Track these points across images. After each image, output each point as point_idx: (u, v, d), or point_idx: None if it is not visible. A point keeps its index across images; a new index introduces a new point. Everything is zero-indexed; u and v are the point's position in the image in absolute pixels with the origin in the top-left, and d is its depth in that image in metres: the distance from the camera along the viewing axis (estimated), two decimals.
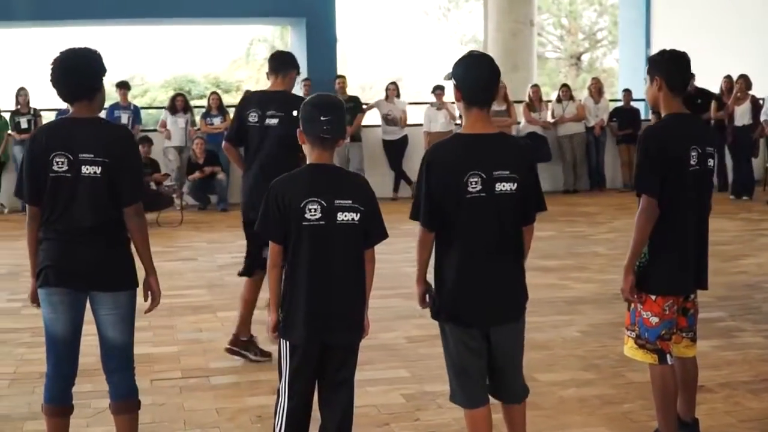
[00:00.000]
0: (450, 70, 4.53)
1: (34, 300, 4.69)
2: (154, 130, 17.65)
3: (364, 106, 17.88)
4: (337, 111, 4.34)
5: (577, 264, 10.75)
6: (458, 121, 17.73)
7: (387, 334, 7.65)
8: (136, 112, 17.48)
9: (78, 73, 4.51)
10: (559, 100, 18.66)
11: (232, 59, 44.71)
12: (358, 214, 4.31)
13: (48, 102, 16.24)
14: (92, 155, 4.43)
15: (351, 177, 4.53)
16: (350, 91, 18.18)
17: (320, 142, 4.30)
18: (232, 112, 18.09)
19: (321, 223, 4.25)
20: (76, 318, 4.60)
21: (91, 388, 5.79)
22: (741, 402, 5.94)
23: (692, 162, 4.82)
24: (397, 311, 8.36)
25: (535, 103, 18.44)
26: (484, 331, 4.47)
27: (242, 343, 6.98)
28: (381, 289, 9.15)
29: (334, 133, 4.29)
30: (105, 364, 4.72)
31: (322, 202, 4.25)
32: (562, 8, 44.60)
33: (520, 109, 18.41)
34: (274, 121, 6.83)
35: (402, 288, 8.75)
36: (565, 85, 19.29)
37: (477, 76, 4.41)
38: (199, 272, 10.78)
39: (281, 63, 7.18)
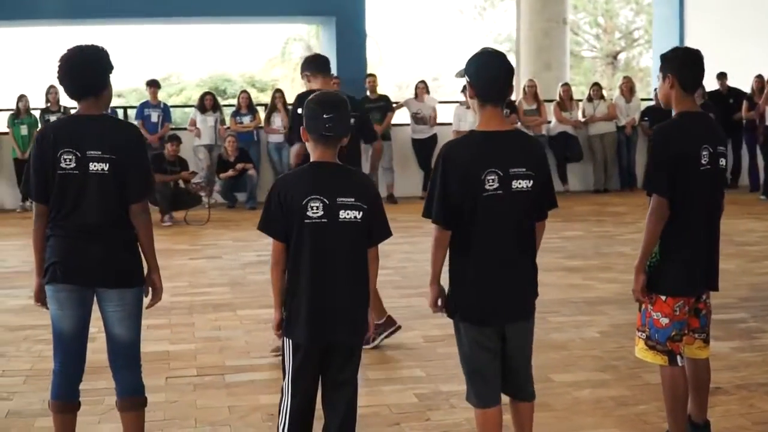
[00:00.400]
0: (462, 67, 4.52)
1: (39, 299, 4.70)
2: (185, 129, 17.70)
3: (394, 105, 17.87)
4: (340, 109, 4.32)
5: (602, 264, 10.68)
6: None
7: (406, 333, 7.61)
8: (165, 110, 17.53)
9: (84, 71, 4.52)
10: (590, 99, 18.53)
11: (268, 58, 44.92)
12: (361, 213, 4.28)
13: None
14: (100, 152, 4.44)
15: (354, 175, 4.48)
16: (387, 90, 18.16)
17: (323, 140, 4.28)
18: (261, 110, 18.16)
19: (323, 221, 4.23)
20: (83, 315, 4.61)
21: (105, 385, 5.76)
22: (756, 404, 5.86)
23: (703, 161, 4.76)
24: (417, 310, 8.32)
25: (565, 102, 18.34)
26: (500, 330, 4.43)
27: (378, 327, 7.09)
28: (403, 288, 9.25)
29: (336, 131, 4.27)
30: (111, 361, 4.74)
31: (324, 199, 4.22)
32: (598, 7, 44.39)
33: (551, 108, 18.34)
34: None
35: (425, 287, 8.61)
36: (596, 84, 19.18)
37: (491, 74, 4.37)
38: (222, 270, 10.79)
39: (323, 64, 7.36)
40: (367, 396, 6.06)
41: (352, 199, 4.27)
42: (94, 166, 4.44)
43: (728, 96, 17.56)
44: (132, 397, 4.74)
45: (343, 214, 4.25)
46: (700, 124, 4.91)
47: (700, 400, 5.06)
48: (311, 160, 4.38)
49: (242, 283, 9.90)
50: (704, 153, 4.76)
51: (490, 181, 4.25)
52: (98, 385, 5.69)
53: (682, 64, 4.86)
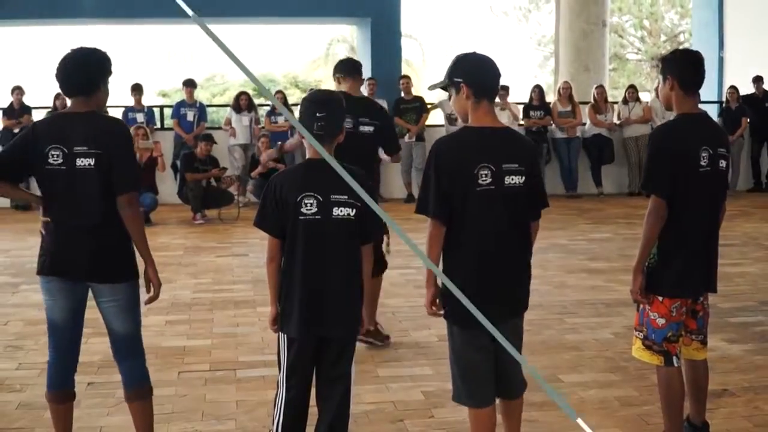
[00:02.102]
0: (438, 80, 4.57)
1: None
2: (221, 128, 17.83)
3: (429, 106, 17.90)
4: (332, 107, 4.37)
5: (625, 266, 10.57)
6: (521, 122, 17.71)
7: (420, 332, 7.68)
8: (201, 109, 17.69)
9: (75, 71, 4.57)
10: (625, 101, 18.48)
11: (312, 59, 45.12)
12: (354, 210, 4.33)
13: (119, 99, 16.52)
14: (86, 148, 4.48)
15: (348, 172, 4.52)
16: (432, 92, 18.20)
17: (317, 139, 4.33)
18: (296, 110, 18.22)
19: (317, 217, 4.29)
20: (75, 306, 4.68)
21: (117, 379, 5.82)
22: (761, 406, 5.84)
23: (702, 163, 4.75)
24: None
25: (600, 104, 18.29)
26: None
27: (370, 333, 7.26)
28: (424, 288, 9.23)
29: (327, 130, 4.33)
30: (114, 353, 4.82)
31: (318, 196, 4.28)
32: (643, 9, 44.15)
33: (587, 110, 18.30)
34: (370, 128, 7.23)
35: None
36: (631, 86, 19.09)
37: (487, 69, 4.42)
38: (247, 268, 10.88)
39: (353, 67, 7.56)
40: (374, 393, 6.13)
41: (346, 197, 4.32)
42: (81, 161, 4.48)
43: (764, 99, 17.41)
44: (137, 387, 4.80)
45: (337, 212, 4.31)
46: (700, 125, 4.91)
47: (698, 402, 5.07)
48: (307, 157, 4.44)
49: (265, 280, 9.89)
50: (704, 154, 4.75)
51: (483, 176, 4.26)
52: (111, 378, 5.78)
53: (682, 65, 4.88)
